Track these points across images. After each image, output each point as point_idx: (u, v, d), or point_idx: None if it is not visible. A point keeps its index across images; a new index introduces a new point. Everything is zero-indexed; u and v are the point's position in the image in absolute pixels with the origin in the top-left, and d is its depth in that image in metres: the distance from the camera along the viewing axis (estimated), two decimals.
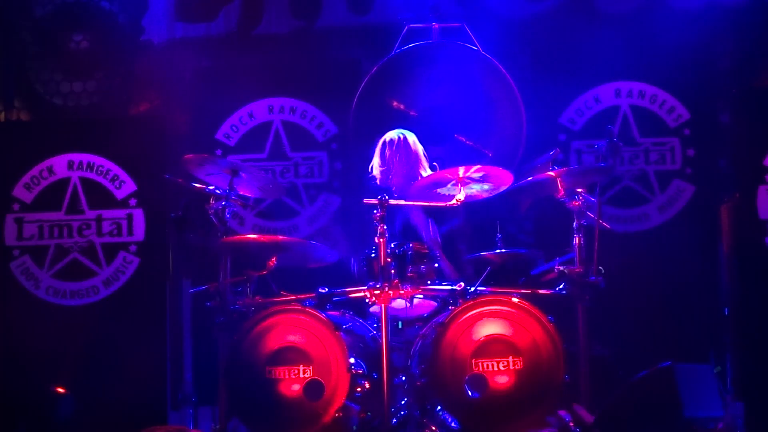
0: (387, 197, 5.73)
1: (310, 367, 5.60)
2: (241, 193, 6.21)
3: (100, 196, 7.24)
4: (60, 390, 6.70)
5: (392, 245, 5.84)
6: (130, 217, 7.23)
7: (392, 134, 6.74)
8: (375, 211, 5.72)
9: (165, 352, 7.04)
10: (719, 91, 7.59)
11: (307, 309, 5.75)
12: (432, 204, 6.06)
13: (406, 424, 5.77)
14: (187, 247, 6.96)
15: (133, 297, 7.14)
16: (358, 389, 5.64)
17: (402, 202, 6.11)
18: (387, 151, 6.68)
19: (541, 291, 5.92)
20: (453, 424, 5.58)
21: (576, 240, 5.85)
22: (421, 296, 6.03)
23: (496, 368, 5.55)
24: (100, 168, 7.27)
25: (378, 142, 6.77)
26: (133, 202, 7.26)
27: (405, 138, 6.72)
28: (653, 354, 6.61)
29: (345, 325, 5.86)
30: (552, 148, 6.42)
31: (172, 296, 7.22)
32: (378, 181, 6.71)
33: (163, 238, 7.15)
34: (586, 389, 5.71)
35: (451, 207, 5.93)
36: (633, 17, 7.65)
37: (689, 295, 7.35)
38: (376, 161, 6.75)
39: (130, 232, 7.22)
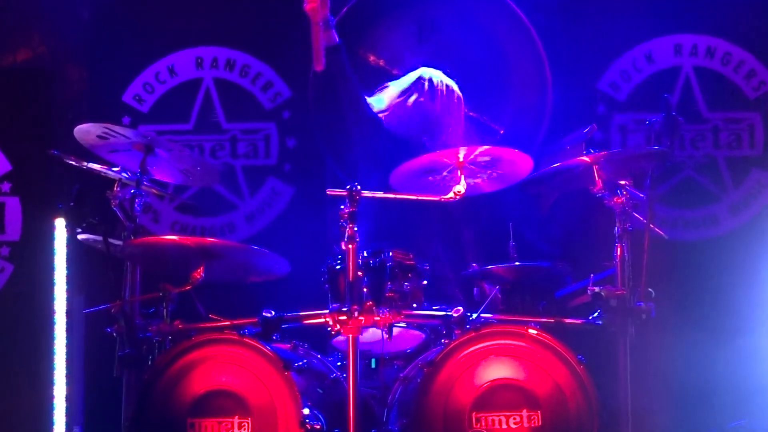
0: (359, 187, 5.71)
1: (249, 420, 5.58)
2: (157, 177, 6.20)
3: None
4: None
5: (365, 254, 5.84)
6: (1, 208, 7.21)
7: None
8: (342, 207, 5.71)
9: (50, 394, 7.01)
10: None
11: (246, 339, 5.72)
12: (422, 198, 6.05)
13: None
14: (80, 252, 6.93)
15: (3, 318, 7.12)
16: None
17: (380, 194, 6.09)
18: (431, 89, 6.72)
19: (568, 320, 5.93)
20: None
21: (618, 251, 5.85)
22: (404, 325, 6.02)
23: (505, 425, 5.54)
24: None
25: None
26: (6, 187, 7.24)
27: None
28: (722, 411, 6.64)
29: (298, 362, 5.84)
30: (587, 123, 6.44)
31: (58, 318, 7.19)
32: (386, 122, 6.70)
33: (46, 238, 7.13)
34: None
35: (448, 203, 5.94)
36: None
37: None
38: (411, 97, 6.75)
39: (2, 230, 7.20)
